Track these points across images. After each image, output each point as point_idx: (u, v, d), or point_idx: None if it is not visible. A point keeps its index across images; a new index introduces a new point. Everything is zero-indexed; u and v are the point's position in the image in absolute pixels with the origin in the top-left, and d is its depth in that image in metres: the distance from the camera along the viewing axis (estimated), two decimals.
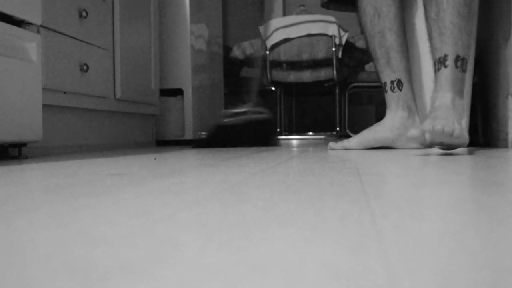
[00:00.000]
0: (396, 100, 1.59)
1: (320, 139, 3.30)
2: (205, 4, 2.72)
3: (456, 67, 1.41)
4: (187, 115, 2.46)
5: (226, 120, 2.00)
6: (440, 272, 0.24)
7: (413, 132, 1.22)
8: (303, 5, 3.54)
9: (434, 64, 1.45)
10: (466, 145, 1.30)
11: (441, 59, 1.42)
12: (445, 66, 1.41)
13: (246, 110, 2.02)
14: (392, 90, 1.59)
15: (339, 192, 0.54)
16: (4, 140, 1.23)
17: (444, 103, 1.36)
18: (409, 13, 1.73)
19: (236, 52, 3.34)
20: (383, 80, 1.62)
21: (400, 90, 1.59)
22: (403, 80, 1.59)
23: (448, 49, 1.42)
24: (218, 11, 2.96)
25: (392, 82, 1.59)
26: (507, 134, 1.59)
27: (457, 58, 1.41)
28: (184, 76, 2.47)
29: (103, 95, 1.85)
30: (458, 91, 1.41)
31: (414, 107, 1.61)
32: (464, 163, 0.99)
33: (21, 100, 1.27)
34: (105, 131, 1.94)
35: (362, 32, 1.68)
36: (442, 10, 1.43)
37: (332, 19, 3.07)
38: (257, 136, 1.95)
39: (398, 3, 1.60)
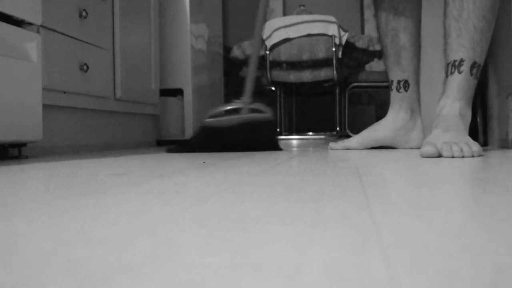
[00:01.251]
0: (400, 101, 1.57)
1: (320, 139, 3.30)
2: (205, 4, 2.72)
3: (471, 74, 1.32)
4: (187, 115, 2.46)
5: (211, 120, 1.59)
6: (440, 272, 0.24)
7: (428, 149, 1.14)
8: (303, 5, 3.54)
9: (447, 65, 1.37)
10: (481, 153, 1.21)
11: (456, 63, 1.33)
12: (459, 72, 1.32)
13: (239, 107, 1.62)
14: (398, 90, 1.57)
15: (339, 192, 0.54)
16: (4, 140, 1.23)
17: (453, 113, 1.30)
18: (429, 11, 1.70)
19: (236, 52, 3.34)
20: (390, 78, 1.59)
21: (406, 91, 1.56)
22: (411, 81, 1.56)
23: (466, 54, 1.32)
24: (218, 11, 2.96)
25: (399, 82, 1.57)
26: (507, 134, 1.59)
27: (473, 65, 1.32)
28: (184, 76, 2.47)
29: (103, 95, 1.85)
30: (468, 99, 1.34)
31: (418, 108, 1.60)
32: (464, 163, 0.99)
33: (21, 100, 1.27)
34: (105, 131, 1.94)
35: (377, 27, 1.61)
36: (466, 10, 1.32)
37: (332, 19, 3.07)
38: (252, 140, 1.57)
39: (417, 1, 1.54)
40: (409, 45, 1.55)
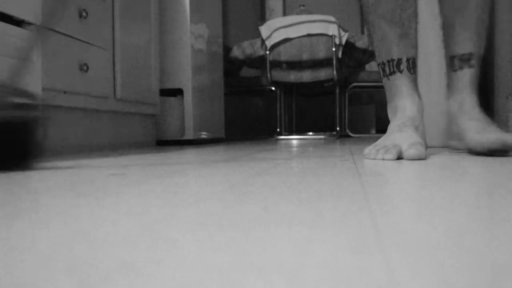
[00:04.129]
0: (413, 84, 1.31)
1: (320, 139, 3.30)
2: (205, 4, 2.72)
3: (479, 67, 1.29)
4: (187, 115, 2.46)
5: None
6: (440, 272, 0.24)
7: (453, 143, 1.12)
8: (303, 5, 3.55)
9: (451, 58, 1.30)
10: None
11: (465, 57, 1.28)
12: (470, 66, 1.28)
13: None
14: (409, 71, 1.29)
15: (339, 192, 0.54)
16: None
17: (474, 105, 1.27)
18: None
19: (236, 52, 3.34)
20: (396, 56, 1.28)
21: (415, 72, 1.32)
22: (416, 59, 1.35)
23: (474, 48, 1.28)
24: (218, 11, 2.96)
25: (408, 60, 1.28)
26: None
27: (479, 58, 1.29)
28: (184, 76, 2.47)
29: (103, 95, 1.85)
30: (477, 92, 1.31)
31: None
32: (465, 163, 0.99)
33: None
34: (105, 131, 1.94)
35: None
36: (471, 2, 1.27)
37: (332, 19, 3.07)
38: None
39: None
40: (415, 15, 1.32)
